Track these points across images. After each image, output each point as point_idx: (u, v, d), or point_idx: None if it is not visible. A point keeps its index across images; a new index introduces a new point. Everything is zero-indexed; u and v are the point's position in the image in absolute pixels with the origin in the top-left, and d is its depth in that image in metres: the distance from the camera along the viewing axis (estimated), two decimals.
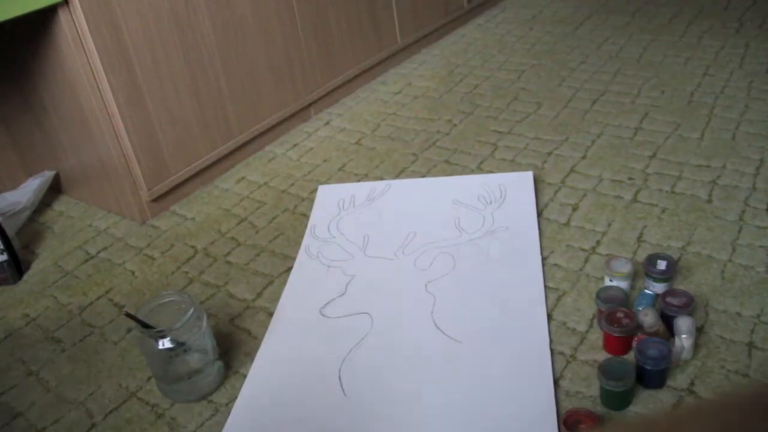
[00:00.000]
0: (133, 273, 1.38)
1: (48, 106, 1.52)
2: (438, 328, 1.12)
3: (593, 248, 1.26)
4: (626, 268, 1.10)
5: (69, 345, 1.21)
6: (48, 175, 1.66)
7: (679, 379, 0.97)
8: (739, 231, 1.24)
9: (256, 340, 1.16)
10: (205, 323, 1.04)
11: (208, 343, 1.05)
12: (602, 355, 1.02)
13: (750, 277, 1.13)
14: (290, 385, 1.05)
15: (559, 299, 1.15)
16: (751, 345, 1.01)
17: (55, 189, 1.72)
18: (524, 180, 1.47)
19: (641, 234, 1.28)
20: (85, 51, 1.35)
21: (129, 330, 1.22)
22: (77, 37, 1.33)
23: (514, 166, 1.56)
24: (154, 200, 1.55)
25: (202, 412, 1.04)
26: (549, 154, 1.59)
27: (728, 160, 1.46)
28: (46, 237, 1.56)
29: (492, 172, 1.55)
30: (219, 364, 1.08)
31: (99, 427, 1.04)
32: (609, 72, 1.95)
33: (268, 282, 1.30)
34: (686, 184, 1.40)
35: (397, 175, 1.59)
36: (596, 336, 1.06)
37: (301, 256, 1.35)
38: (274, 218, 1.50)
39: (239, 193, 1.61)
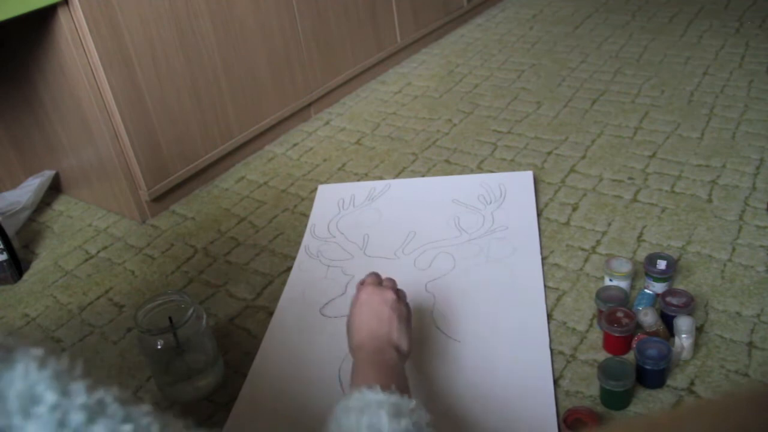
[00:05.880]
0: (132, 273, 1.39)
1: (48, 106, 1.52)
2: (438, 327, 1.12)
3: (593, 248, 1.26)
4: (626, 268, 1.10)
5: (69, 345, 1.21)
6: (48, 174, 1.66)
7: (679, 379, 0.97)
8: (739, 231, 1.24)
9: (256, 340, 1.16)
10: (204, 323, 1.04)
11: (208, 343, 1.05)
12: (602, 355, 1.02)
13: (750, 277, 1.13)
14: (290, 385, 1.05)
15: (559, 299, 1.15)
16: (751, 345, 1.01)
17: (55, 189, 1.72)
18: (524, 180, 1.47)
19: (641, 234, 1.28)
20: (85, 51, 1.35)
21: (129, 330, 1.22)
22: (77, 37, 1.33)
23: (514, 165, 1.56)
24: (154, 200, 1.55)
25: (202, 412, 1.04)
26: (549, 153, 1.59)
27: (728, 160, 1.46)
28: (46, 237, 1.56)
29: (492, 171, 1.55)
30: (219, 364, 1.08)
31: None
32: (609, 71, 1.95)
33: (268, 282, 1.30)
34: (686, 183, 1.40)
35: (397, 175, 1.59)
36: (596, 336, 1.06)
37: (301, 256, 1.35)
38: (273, 218, 1.50)
39: (239, 192, 1.62)
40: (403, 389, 0.74)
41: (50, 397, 0.39)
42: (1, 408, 0.38)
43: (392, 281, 0.94)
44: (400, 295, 0.91)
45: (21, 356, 0.40)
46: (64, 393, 0.40)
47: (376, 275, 0.94)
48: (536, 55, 2.13)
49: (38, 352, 0.41)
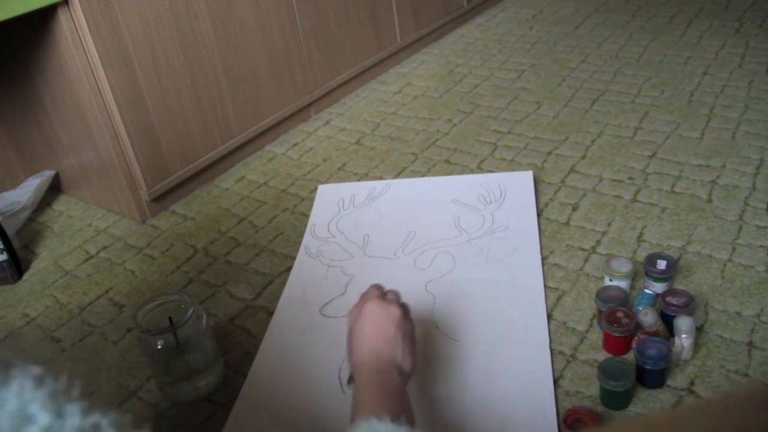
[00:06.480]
0: (132, 273, 1.39)
1: (48, 106, 1.52)
2: (438, 327, 1.12)
3: (593, 248, 1.26)
4: (626, 268, 1.10)
5: (69, 345, 1.21)
6: (48, 174, 1.66)
7: (678, 379, 0.97)
8: (739, 231, 1.24)
9: (256, 340, 1.16)
10: (204, 323, 1.04)
11: (208, 343, 1.05)
12: (602, 355, 1.02)
13: (750, 277, 1.13)
14: (290, 385, 1.05)
15: (559, 299, 1.15)
16: (750, 345, 1.01)
17: (55, 189, 1.72)
18: (524, 180, 1.47)
19: (641, 234, 1.28)
20: (85, 51, 1.35)
21: (129, 330, 1.22)
22: (77, 37, 1.33)
23: (514, 165, 1.56)
24: (154, 200, 1.55)
25: (202, 412, 1.04)
26: (549, 153, 1.59)
27: (728, 160, 1.46)
28: (46, 237, 1.56)
29: (492, 171, 1.55)
30: (219, 364, 1.08)
31: None
32: (609, 71, 1.95)
33: (268, 282, 1.30)
34: (686, 183, 1.40)
35: (397, 175, 1.59)
36: (596, 336, 1.07)
37: (301, 256, 1.35)
38: (273, 218, 1.50)
39: (239, 192, 1.62)
40: (407, 415, 0.72)
41: (43, 417, 0.38)
42: None
43: (396, 294, 0.90)
44: (405, 310, 0.87)
45: (18, 373, 0.39)
46: (59, 414, 0.39)
47: (378, 287, 0.89)
48: (536, 55, 2.13)
49: (36, 370, 0.40)
